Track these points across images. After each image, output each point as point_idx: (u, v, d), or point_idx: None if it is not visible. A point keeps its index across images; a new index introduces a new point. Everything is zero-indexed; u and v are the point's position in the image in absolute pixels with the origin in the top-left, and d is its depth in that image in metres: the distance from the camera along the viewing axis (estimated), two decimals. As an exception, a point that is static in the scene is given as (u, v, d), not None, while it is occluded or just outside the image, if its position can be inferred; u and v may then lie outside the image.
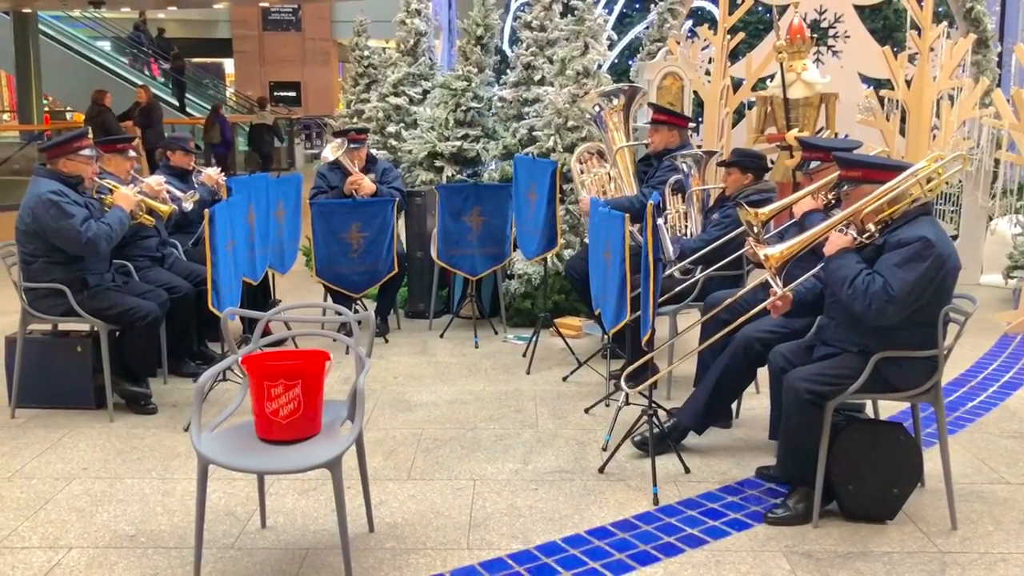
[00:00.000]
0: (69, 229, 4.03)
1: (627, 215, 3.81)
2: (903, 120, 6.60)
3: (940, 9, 7.21)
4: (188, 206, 4.99)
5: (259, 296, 5.40)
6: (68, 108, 20.86)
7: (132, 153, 4.87)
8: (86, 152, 4.28)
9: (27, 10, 16.66)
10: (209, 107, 20.81)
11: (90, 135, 4.46)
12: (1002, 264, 6.75)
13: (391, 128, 7.79)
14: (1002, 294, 6.70)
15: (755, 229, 3.29)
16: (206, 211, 3.98)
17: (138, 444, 3.96)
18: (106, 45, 22.74)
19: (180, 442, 3.95)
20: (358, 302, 5.75)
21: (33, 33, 17.23)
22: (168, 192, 4.85)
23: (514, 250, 5.99)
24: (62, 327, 4.51)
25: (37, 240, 4.14)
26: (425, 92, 7.87)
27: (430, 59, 8.22)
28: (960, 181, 6.85)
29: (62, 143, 4.30)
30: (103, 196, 4.35)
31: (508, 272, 6.19)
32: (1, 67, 23.40)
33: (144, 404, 4.38)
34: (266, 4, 21.77)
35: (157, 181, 4.78)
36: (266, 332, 4.98)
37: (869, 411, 3.70)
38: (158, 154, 5.90)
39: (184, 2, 20.29)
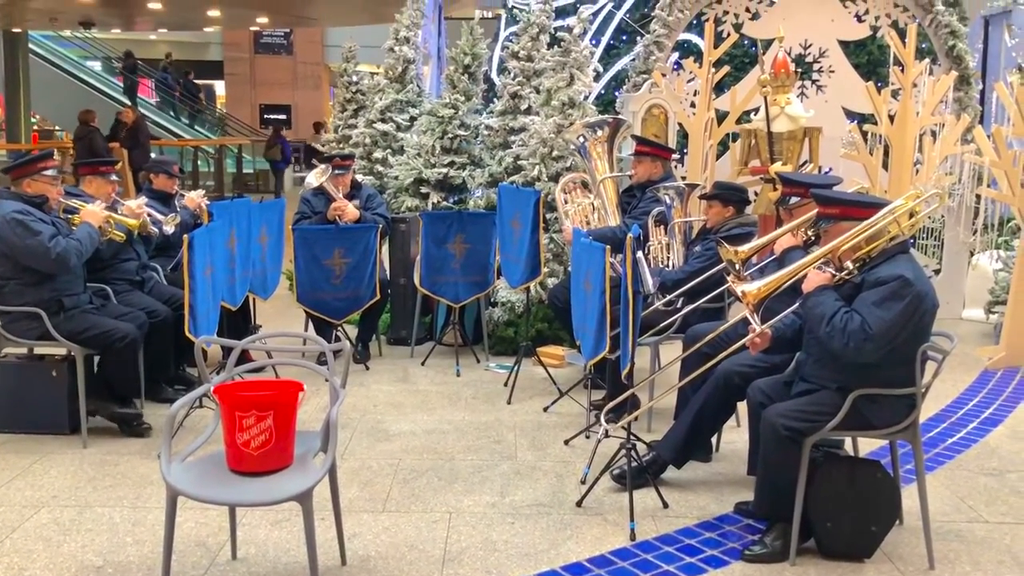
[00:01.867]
0: (37, 246, 4.00)
1: (608, 247, 3.82)
2: (886, 154, 6.66)
3: (923, 46, 7.29)
4: (169, 229, 4.96)
5: (239, 321, 5.36)
6: (57, 127, 20.82)
7: (114, 176, 4.84)
8: (50, 172, 4.26)
9: (17, 29, 16.65)
10: (185, 120, 20.91)
11: (56, 156, 4.44)
12: (984, 299, 6.79)
13: (378, 154, 7.79)
14: (984, 328, 6.73)
15: (736, 267, 3.29)
16: (185, 236, 3.96)
17: (111, 471, 3.90)
18: (96, 65, 22.78)
19: (153, 469, 3.90)
20: (339, 328, 5.72)
21: (23, 52, 17.23)
22: (149, 215, 4.83)
23: (498, 278, 5.98)
24: (37, 351, 4.46)
25: (6, 262, 4.10)
26: (412, 119, 7.88)
27: (418, 86, 8.25)
28: (942, 216, 6.90)
29: (25, 163, 4.28)
30: (70, 216, 4.32)
31: (491, 300, 6.17)
32: (-10, 85, 23.38)
33: (137, 425, 4.34)
34: (258, 28, 21.84)
35: (138, 204, 4.75)
36: (246, 359, 4.95)
37: (848, 447, 3.68)
38: (141, 176, 5.89)
39: (176, 24, 20.33)
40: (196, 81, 22.76)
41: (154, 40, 25.86)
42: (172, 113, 20.85)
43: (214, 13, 15.64)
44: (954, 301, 6.95)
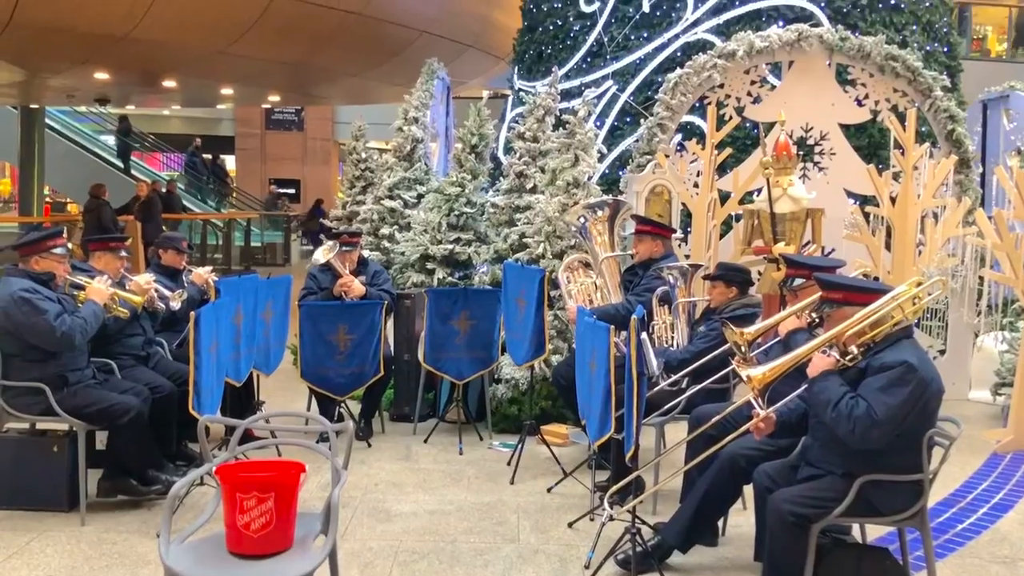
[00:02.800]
0: (42, 324, 4.02)
1: (612, 326, 3.83)
2: (889, 236, 6.71)
3: (923, 129, 7.41)
4: (175, 305, 4.99)
5: (243, 397, 5.35)
6: (68, 200, 21.11)
7: (123, 252, 4.90)
8: (58, 251, 4.31)
9: (35, 105, 17.04)
10: (212, 203, 21.24)
11: (64, 234, 4.50)
12: (990, 380, 6.75)
13: (385, 230, 7.87)
14: (991, 411, 6.67)
15: (741, 348, 3.30)
16: (192, 313, 3.98)
17: (108, 550, 3.85)
18: (110, 139, 23.20)
19: (152, 549, 3.84)
20: (342, 404, 5.70)
21: (39, 127, 17.59)
22: (156, 291, 4.87)
23: (502, 354, 5.98)
24: (40, 426, 4.45)
25: (12, 339, 4.13)
26: (420, 196, 7.99)
27: (426, 164, 8.39)
28: (946, 297, 6.91)
29: (35, 241, 4.35)
30: (76, 293, 4.36)
31: (495, 376, 6.16)
32: (5, 159, 23.81)
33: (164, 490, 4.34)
34: (270, 105, 22.32)
35: (146, 280, 4.80)
36: (248, 435, 4.92)
37: (856, 533, 3.63)
38: (150, 252, 5.98)
39: (190, 101, 20.79)
40: (204, 156, 23.22)
41: (168, 116, 26.41)
42: (199, 196, 21.15)
43: (227, 91, 16.01)
44: (960, 382, 6.92)
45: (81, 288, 4.38)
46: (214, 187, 21.50)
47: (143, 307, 4.71)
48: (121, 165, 20.23)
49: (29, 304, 4.04)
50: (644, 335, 3.48)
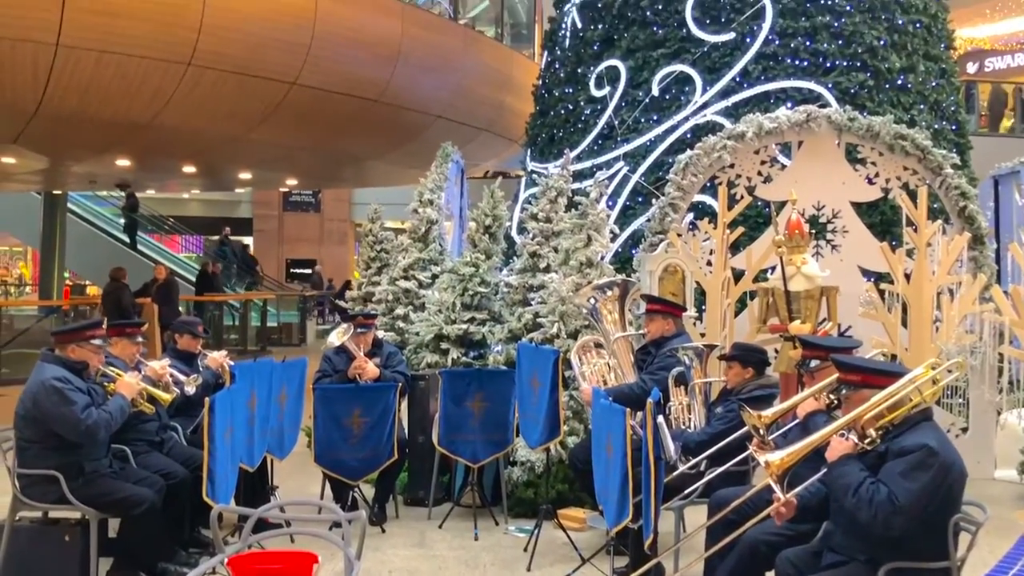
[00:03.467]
0: (70, 416, 4.04)
1: (628, 409, 3.80)
2: (905, 312, 6.67)
3: (935, 205, 7.44)
4: (190, 390, 5.00)
5: (256, 481, 5.31)
6: (87, 282, 21.35)
7: (139, 338, 4.94)
8: (96, 341, 4.36)
9: (58, 191, 17.41)
10: (242, 290, 21.46)
11: (104, 325, 4.55)
12: (1015, 459, 6.62)
13: (399, 310, 7.91)
14: (1018, 490, 6.52)
15: (760, 432, 3.26)
16: (206, 399, 3.99)
17: (117, 643, 3.77)
18: (130, 222, 23.60)
19: (161, 642, 3.77)
20: (357, 488, 5.64)
21: (61, 212, 17.93)
22: (171, 376, 4.89)
23: (517, 436, 5.93)
24: (52, 514, 4.41)
25: (36, 426, 4.14)
26: (434, 276, 8.05)
27: (440, 245, 8.47)
28: (966, 375, 6.83)
29: (74, 330, 4.41)
30: (106, 383, 4.38)
31: (511, 459, 6.09)
32: (28, 242, 24.22)
33: None
34: (287, 188, 22.73)
35: (161, 365, 4.82)
36: (262, 522, 4.86)
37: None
38: (166, 336, 6.06)
39: (208, 186, 21.19)
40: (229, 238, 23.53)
41: (187, 199, 26.90)
42: (229, 284, 21.26)
43: (246, 175, 16.33)
44: (985, 461, 6.79)
45: (112, 380, 4.42)
46: (244, 274, 21.62)
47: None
48: (128, 240, 20.53)
49: (60, 394, 4.07)
50: (660, 418, 3.45)
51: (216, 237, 27.20)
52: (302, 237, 26.74)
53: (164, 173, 16.32)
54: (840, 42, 8.16)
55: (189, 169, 14.68)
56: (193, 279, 20.66)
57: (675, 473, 4.34)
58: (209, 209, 27.47)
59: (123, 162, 13.14)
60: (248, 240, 27.04)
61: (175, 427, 5.18)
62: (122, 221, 21.19)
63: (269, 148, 12.35)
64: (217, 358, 5.48)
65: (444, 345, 6.88)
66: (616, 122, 8.70)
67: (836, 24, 8.17)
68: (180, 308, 14.36)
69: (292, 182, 18.83)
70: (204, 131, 11.00)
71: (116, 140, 11.29)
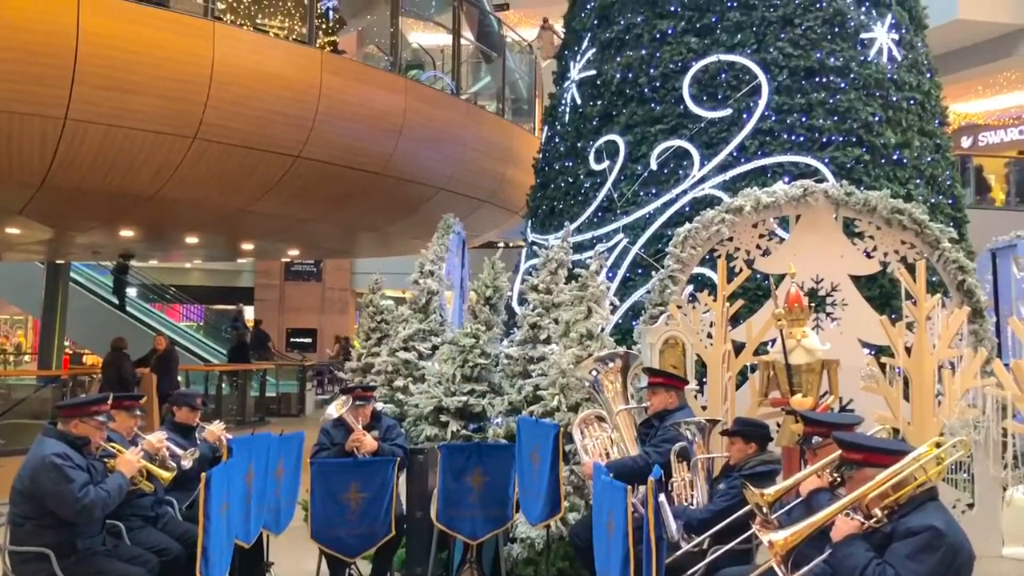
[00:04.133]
0: (67, 494, 4.01)
1: (629, 486, 3.76)
2: (907, 386, 6.64)
3: (933, 279, 7.46)
4: (187, 464, 4.96)
5: (252, 558, 5.22)
6: (86, 351, 21.30)
7: (138, 411, 4.92)
8: (101, 417, 4.36)
9: (61, 261, 17.50)
10: (224, 352, 21.31)
11: (110, 400, 4.55)
12: (1023, 536, 6.51)
13: (399, 382, 7.88)
14: (1027, 568, 6.40)
15: (763, 510, 3.22)
16: (203, 475, 3.95)
17: None
18: (132, 291, 23.66)
19: None
20: (353, 565, 5.54)
21: (64, 282, 17.99)
22: (168, 449, 4.85)
23: (516, 512, 5.85)
24: (42, 592, 4.33)
25: (32, 502, 4.10)
26: (434, 347, 8.04)
27: (441, 316, 8.48)
28: (970, 450, 6.77)
29: (80, 404, 4.42)
30: (106, 460, 4.35)
31: (511, 535, 5.99)
32: (30, 311, 24.24)
33: None
34: (288, 259, 22.86)
35: (158, 439, 4.80)
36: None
37: None
38: (164, 408, 6.05)
39: (211, 256, 21.31)
40: (227, 306, 23.46)
41: (189, 268, 27.04)
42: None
43: (248, 246, 16.44)
44: (992, 538, 6.67)
45: (112, 456, 4.40)
46: (258, 350, 21.45)
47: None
48: (116, 302, 20.55)
49: (59, 471, 4.05)
50: (662, 497, 3.41)
51: (218, 307, 27.29)
52: (303, 306, 26.79)
53: (167, 244, 16.43)
54: (836, 118, 8.30)
55: (192, 240, 14.79)
56: (192, 347, 20.66)
57: (678, 553, 4.27)
58: (211, 278, 27.58)
59: (127, 233, 13.24)
60: (249, 309, 27.09)
61: (171, 502, 5.12)
62: (135, 296, 21.29)
63: (272, 220, 12.46)
64: (215, 431, 5.45)
65: (444, 418, 6.84)
66: (615, 195, 8.79)
67: (831, 100, 8.31)
68: (179, 378, 14.33)
69: (294, 252, 18.96)
70: (208, 203, 11.12)
71: (120, 212, 11.40)
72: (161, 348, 14.03)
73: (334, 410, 5.92)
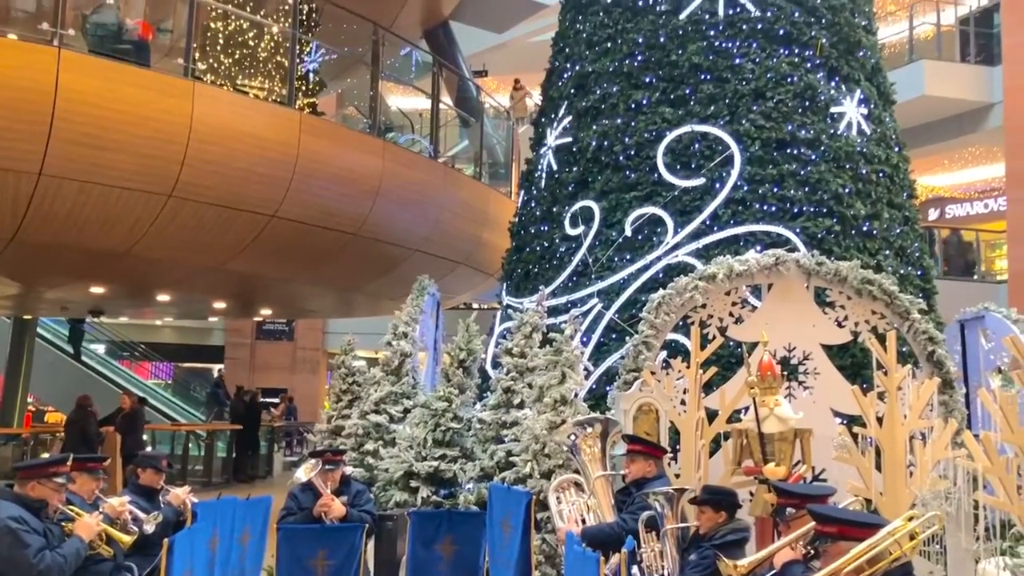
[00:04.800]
0: (22, 560, 3.89)
1: (602, 557, 3.71)
2: (878, 456, 6.64)
3: (904, 349, 7.52)
4: (149, 528, 4.82)
5: (212, 628, 5.05)
6: (49, 408, 20.87)
7: (100, 473, 4.80)
8: (59, 479, 4.26)
9: (28, 316, 17.25)
10: (198, 412, 21.00)
11: (69, 461, 4.45)
12: (997, 610, 6.45)
13: (369, 445, 7.77)
14: (1001, 643, 6.33)
15: (735, 582, 3.18)
16: (165, 540, 3.84)
17: None
18: (100, 348, 23.34)
19: None
20: (318, 637, 5.38)
21: (30, 338, 17.72)
22: (130, 513, 4.72)
23: (487, 581, 5.74)
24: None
25: (-15, 567, 3.96)
26: (406, 410, 7.96)
27: (413, 378, 8.42)
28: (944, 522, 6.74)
29: (38, 466, 4.32)
30: (64, 523, 4.23)
31: (480, 606, 5.87)
32: (-7, 367, 23.77)
33: None
34: (261, 318, 22.69)
35: (120, 502, 4.68)
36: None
37: None
38: (128, 470, 5.90)
39: (183, 314, 21.12)
40: (197, 365, 23.03)
41: (159, 325, 26.75)
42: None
43: (220, 304, 16.31)
44: (966, 611, 6.61)
45: (70, 519, 4.28)
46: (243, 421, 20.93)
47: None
48: (71, 350, 20.21)
49: (14, 536, 3.93)
50: (635, 569, 3.36)
51: (187, 365, 26.93)
52: (273, 366, 26.51)
53: (139, 301, 16.27)
54: (807, 189, 8.45)
55: (164, 297, 14.65)
56: (160, 406, 20.31)
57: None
58: (181, 336, 27.29)
59: (98, 289, 13.11)
60: (218, 368, 26.76)
61: (130, 568, 4.95)
62: (103, 353, 20.94)
63: (245, 279, 12.40)
64: (180, 495, 5.32)
65: (414, 483, 6.74)
66: (590, 260, 8.85)
67: (802, 172, 8.47)
68: (144, 438, 14.06)
69: (267, 312, 18.82)
70: (181, 261, 11.05)
71: (92, 268, 11.29)
72: (127, 407, 13.79)
73: (303, 474, 5.83)
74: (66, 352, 20.63)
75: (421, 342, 9.11)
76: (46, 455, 13.53)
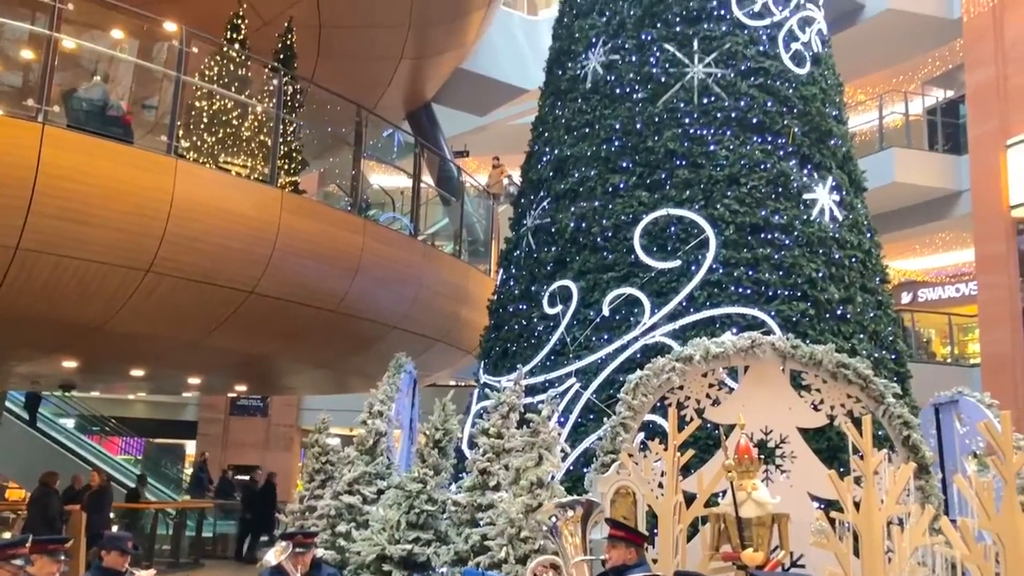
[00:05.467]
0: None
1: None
2: (856, 540, 6.59)
3: (880, 433, 7.54)
4: (110, 617, 4.68)
5: None
6: (10, 483, 20.31)
7: (62, 556, 4.67)
8: (18, 562, 4.14)
9: (-3, 390, 16.99)
10: (167, 490, 20.53)
11: (29, 542, 4.33)
12: None
13: (342, 527, 7.64)
14: None
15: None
16: (127, 628, 3.72)
17: None
18: (69, 423, 22.89)
19: None
20: None
21: (-2, 411, 17.40)
22: (92, 598, 4.58)
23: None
24: None
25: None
26: (380, 491, 7.84)
27: (388, 458, 8.32)
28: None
29: None
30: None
31: None
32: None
33: None
34: (235, 394, 22.43)
35: (82, 587, 4.54)
36: None
37: None
38: (91, 554, 5.73)
39: (156, 389, 20.84)
40: (164, 441, 22.48)
41: (132, 400, 26.33)
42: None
43: (195, 380, 16.12)
44: None
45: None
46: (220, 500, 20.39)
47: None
48: (27, 417, 19.79)
49: None
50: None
51: (159, 440, 26.42)
52: (247, 442, 26.05)
53: (112, 376, 16.05)
54: (781, 273, 8.57)
55: (138, 373, 14.48)
56: (129, 484, 19.82)
57: None
58: (154, 411, 26.85)
59: (70, 364, 12.93)
60: (191, 444, 26.29)
61: (89, 656, 4.79)
62: (72, 427, 20.52)
63: (221, 355, 12.29)
64: (144, 578, 5.18)
65: (387, 567, 6.62)
66: (568, 339, 8.87)
67: (776, 256, 8.61)
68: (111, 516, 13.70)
69: (241, 388, 18.61)
70: (157, 336, 10.96)
71: (65, 343, 11.16)
72: (95, 484, 13.48)
73: (272, 557, 5.71)
74: (35, 427, 20.22)
75: (396, 421, 9.04)
76: (7, 535, 13.18)
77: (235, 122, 11.23)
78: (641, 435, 7.70)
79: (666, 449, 6.99)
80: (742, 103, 9.10)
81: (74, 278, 9.07)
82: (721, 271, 8.54)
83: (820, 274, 8.69)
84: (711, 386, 7.60)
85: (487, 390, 9.46)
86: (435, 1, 14.93)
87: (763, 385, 7.53)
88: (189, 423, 26.50)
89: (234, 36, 12.01)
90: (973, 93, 16.44)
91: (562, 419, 8.40)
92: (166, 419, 26.97)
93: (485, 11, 16.22)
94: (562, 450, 7.01)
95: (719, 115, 9.07)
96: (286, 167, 11.85)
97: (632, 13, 9.63)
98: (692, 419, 7.34)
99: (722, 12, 9.42)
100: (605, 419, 7.81)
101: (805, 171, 9.16)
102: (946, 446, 8.74)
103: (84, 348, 11.63)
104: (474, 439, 7.62)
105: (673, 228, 8.75)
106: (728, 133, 9.02)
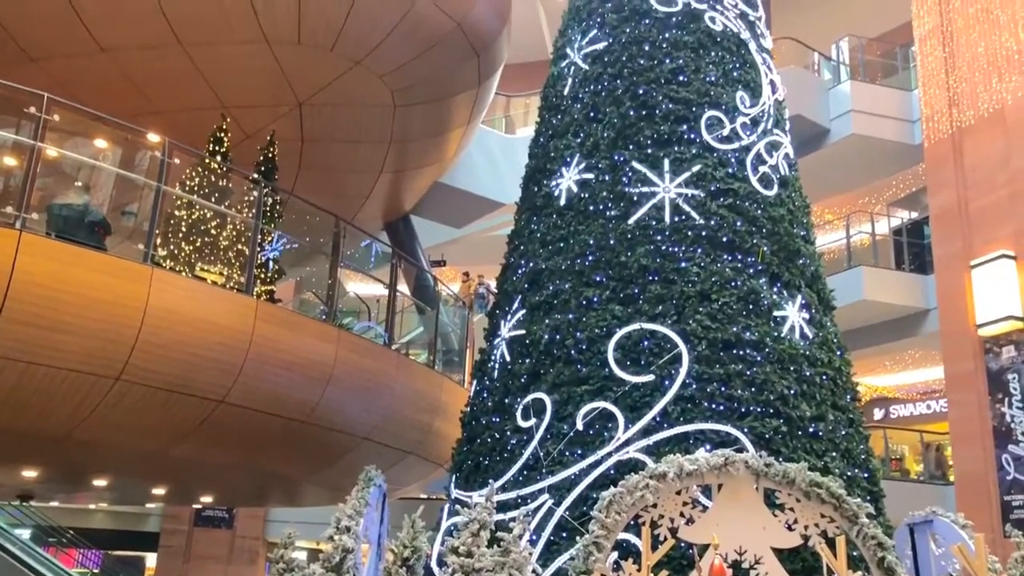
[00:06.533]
0: None
1: None
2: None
3: (855, 553, 7.45)
4: None
5: None
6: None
7: None
8: None
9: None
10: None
11: None
12: None
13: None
14: None
15: None
16: None
17: None
18: (25, 533, 22.08)
19: None
20: None
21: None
22: None
23: None
24: None
25: None
26: (346, 618, 7.56)
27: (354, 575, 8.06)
28: None
29: None
30: None
31: None
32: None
33: None
34: (200, 505, 21.85)
35: None
36: None
37: None
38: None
39: (119, 500, 20.27)
40: (124, 553, 21.66)
41: (92, 510, 25.53)
42: None
43: (159, 491, 15.72)
44: None
45: None
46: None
47: None
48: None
49: None
50: None
51: (118, 552, 25.49)
52: (210, 555, 25.19)
53: (73, 485, 15.63)
54: (753, 389, 8.61)
55: (100, 482, 14.10)
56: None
57: None
58: (115, 521, 26.00)
59: (30, 473, 12.59)
60: (151, 557, 25.38)
61: None
62: (28, 539, 19.76)
63: (187, 465, 12.04)
64: None
65: None
66: (541, 454, 8.79)
67: (748, 372, 8.66)
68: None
69: (207, 499, 18.13)
70: (122, 446, 10.74)
71: (26, 452, 10.91)
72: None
73: None
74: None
75: (365, 536, 8.80)
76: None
77: (213, 231, 11.34)
78: (615, 554, 7.55)
79: (639, 569, 6.86)
80: (712, 222, 9.32)
81: (40, 386, 8.94)
82: (694, 386, 8.57)
83: (792, 391, 8.74)
84: (685, 504, 7.51)
85: (458, 506, 9.29)
86: (416, 118, 15.38)
87: (737, 504, 7.45)
88: (151, 534, 25.66)
89: (216, 148, 12.26)
90: (936, 216, 16.93)
91: (534, 536, 8.24)
92: (127, 529, 26.09)
93: (465, 128, 16.71)
94: (533, 571, 6.84)
95: (690, 233, 9.27)
96: (262, 276, 11.91)
97: (606, 135, 9.95)
98: (666, 538, 7.23)
99: (692, 136, 9.76)
100: (578, 537, 7.66)
101: (775, 289, 9.32)
102: (922, 567, 8.61)
103: (45, 457, 11.37)
104: (443, 557, 7.43)
105: (646, 342, 8.81)
106: (699, 251, 9.20)
